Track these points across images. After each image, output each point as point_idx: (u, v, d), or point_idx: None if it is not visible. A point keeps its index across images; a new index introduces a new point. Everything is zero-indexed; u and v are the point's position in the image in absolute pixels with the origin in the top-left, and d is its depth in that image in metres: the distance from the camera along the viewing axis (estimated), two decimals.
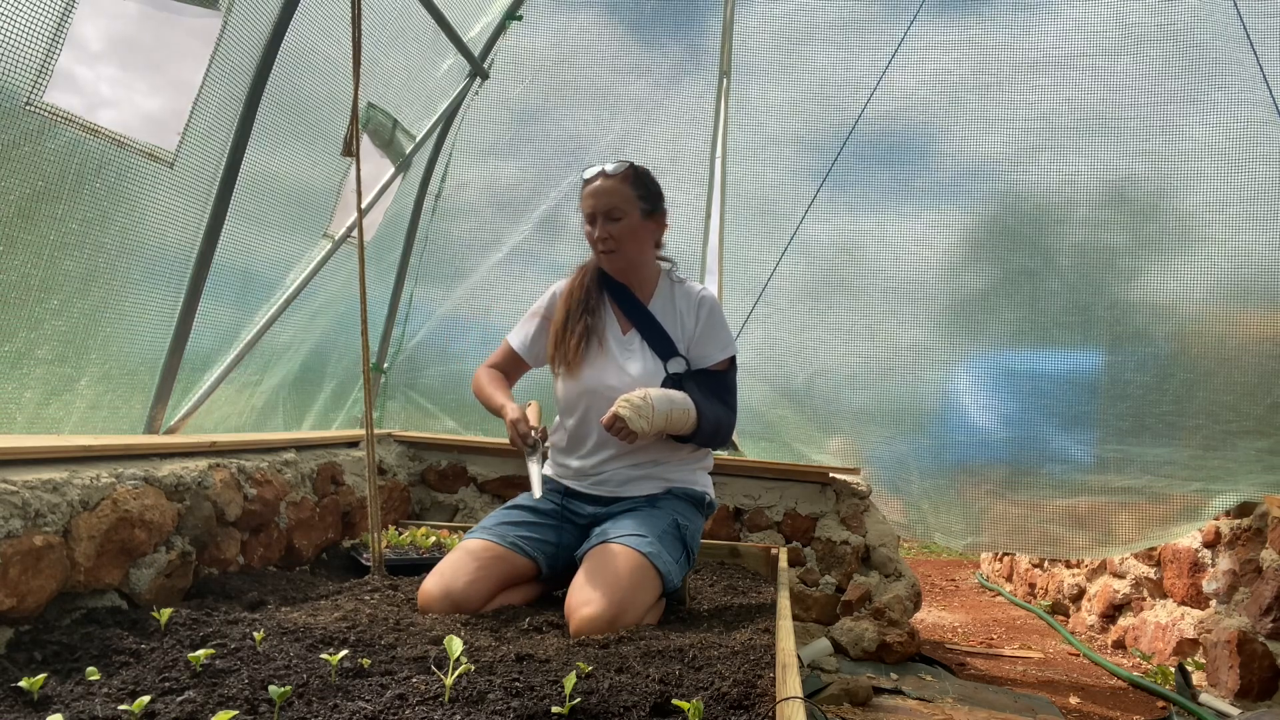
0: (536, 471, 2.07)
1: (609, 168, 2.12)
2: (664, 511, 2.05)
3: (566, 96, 3.87)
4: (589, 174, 2.14)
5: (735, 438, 3.83)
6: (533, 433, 2.09)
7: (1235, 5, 3.05)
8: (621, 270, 2.18)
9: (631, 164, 2.14)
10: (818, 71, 3.65)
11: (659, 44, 3.84)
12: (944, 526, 3.60)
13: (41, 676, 1.22)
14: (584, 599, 1.77)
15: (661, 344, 2.14)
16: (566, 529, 2.12)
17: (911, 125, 3.61)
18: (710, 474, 2.30)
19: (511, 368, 2.33)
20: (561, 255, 3.84)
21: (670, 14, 3.82)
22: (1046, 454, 3.43)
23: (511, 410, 2.11)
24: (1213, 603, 3.15)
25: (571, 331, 2.15)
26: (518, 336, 2.31)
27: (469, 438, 3.60)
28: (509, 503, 2.24)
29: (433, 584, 1.92)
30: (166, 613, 1.57)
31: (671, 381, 2.09)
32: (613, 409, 1.92)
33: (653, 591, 1.89)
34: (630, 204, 2.11)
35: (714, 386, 2.15)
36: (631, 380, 2.08)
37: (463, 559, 1.98)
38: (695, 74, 3.84)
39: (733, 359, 2.21)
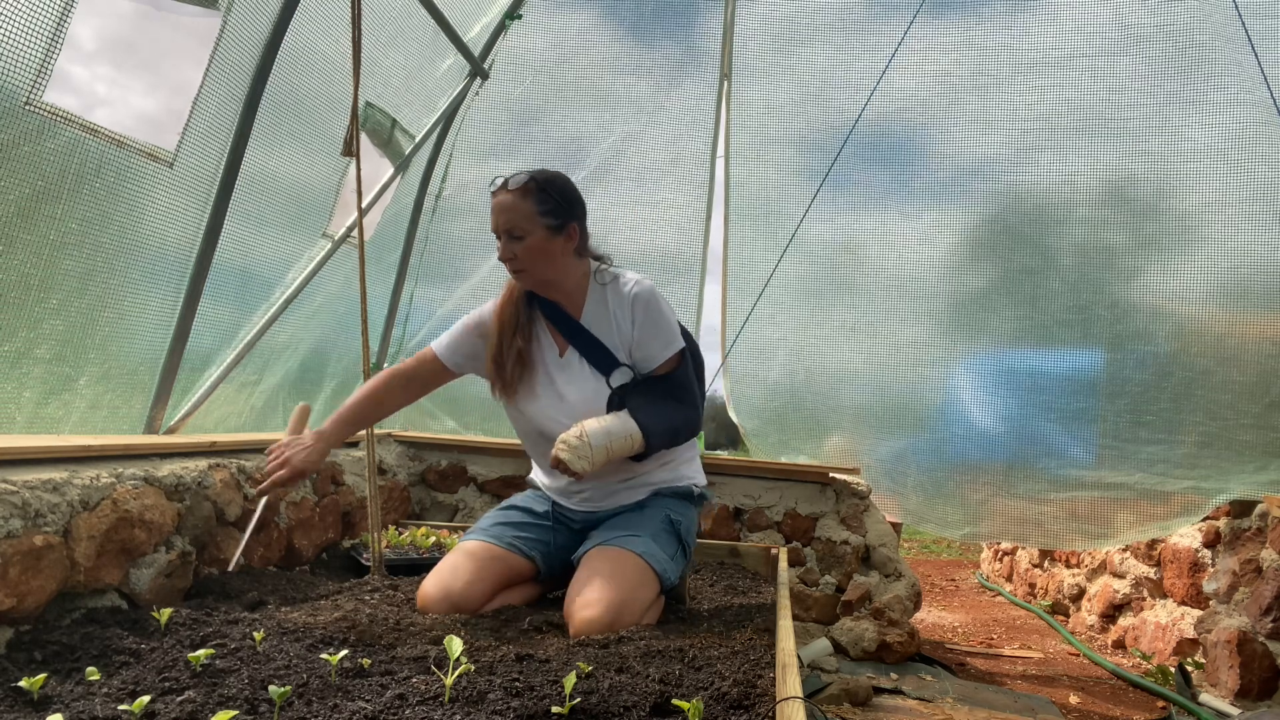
0: (244, 540, 1.85)
1: (509, 180, 1.94)
2: (655, 510, 2.05)
3: (567, 97, 3.87)
4: (492, 185, 1.97)
5: (742, 436, 3.85)
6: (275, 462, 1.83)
7: (1235, 5, 3.05)
8: (539, 286, 2.02)
9: (533, 176, 1.94)
10: (818, 73, 3.65)
11: (660, 45, 3.84)
12: (942, 518, 3.61)
13: (41, 676, 1.22)
14: (582, 602, 1.78)
15: (600, 358, 2.01)
16: (560, 530, 2.12)
17: (912, 125, 3.62)
18: (706, 471, 2.27)
19: (430, 375, 2.13)
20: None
21: (671, 15, 3.82)
22: (1045, 450, 3.44)
23: (285, 435, 1.90)
24: (1213, 602, 3.15)
25: (506, 358, 2.03)
26: (444, 345, 2.12)
27: (469, 438, 3.60)
28: (504, 503, 2.23)
29: (431, 586, 1.92)
30: (166, 613, 1.57)
31: (617, 396, 1.97)
32: (553, 451, 1.85)
33: (650, 591, 1.89)
34: (531, 221, 1.92)
35: (665, 389, 2.01)
36: (570, 409, 1.98)
37: (461, 560, 1.98)
38: (696, 75, 3.84)
39: (682, 351, 2.03)
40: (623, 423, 1.90)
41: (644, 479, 2.09)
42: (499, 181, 1.95)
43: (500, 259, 1.97)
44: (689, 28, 3.83)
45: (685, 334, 2.11)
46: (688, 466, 2.19)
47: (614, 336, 2.01)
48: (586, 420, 1.90)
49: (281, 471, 1.80)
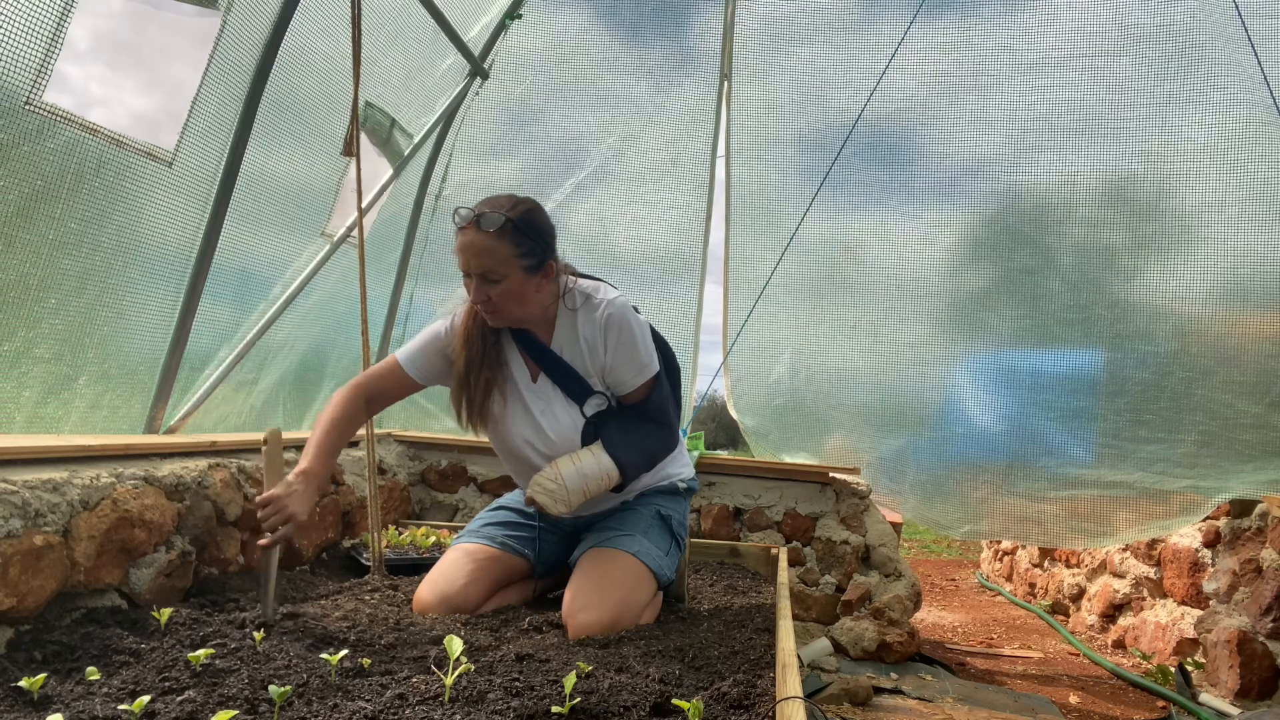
0: (271, 584, 1.70)
1: (482, 219, 1.76)
2: (644, 507, 2.05)
3: (567, 97, 3.87)
4: (460, 219, 1.79)
5: (743, 435, 3.85)
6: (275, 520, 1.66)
7: (1235, 5, 3.04)
8: (512, 323, 1.94)
9: (508, 217, 1.77)
10: (818, 72, 3.65)
11: (660, 45, 3.84)
12: (942, 517, 3.61)
13: (41, 676, 1.22)
14: (580, 605, 1.78)
15: (573, 386, 1.93)
16: (550, 530, 2.11)
17: (912, 125, 3.62)
18: (706, 471, 2.27)
19: (399, 387, 2.01)
20: (562, 257, 3.83)
21: (671, 15, 3.82)
22: (1046, 449, 3.44)
23: (287, 477, 1.73)
24: (1213, 602, 3.15)
25: (474, 391, 1.95)
26: (409, 356, 1.99)
27: (469, 438, 3.58)
28: (493, 504, 2.23)
29: (427, 592, 1.91)
30: (166, 612, 1.57)
31: (591, 426, 1.93)
32: (529, 493, 1.85)
33: (647, 590, 1.90)
34: (509, 265, 1.78)
35: (641, 413, 1.96)
36: (546, 439, 1.94)
37: (456, 560, 1.98)
38: (696, 75, 3.84)
39: (656, 376, 1.95)
40: (597, 461, 1.86)
41: (629, 485, 2.04)
42: (467, 215, 1.77)
43: (473, 302, 1.85)
44: (689, 27, 3.83)
45: (658, 341, 2.04)
46: (672, 464, 2.15)
47: (586, 362, 1.93)
48: (560, 460, 1.87)
49: (285, 528, 1.68)
